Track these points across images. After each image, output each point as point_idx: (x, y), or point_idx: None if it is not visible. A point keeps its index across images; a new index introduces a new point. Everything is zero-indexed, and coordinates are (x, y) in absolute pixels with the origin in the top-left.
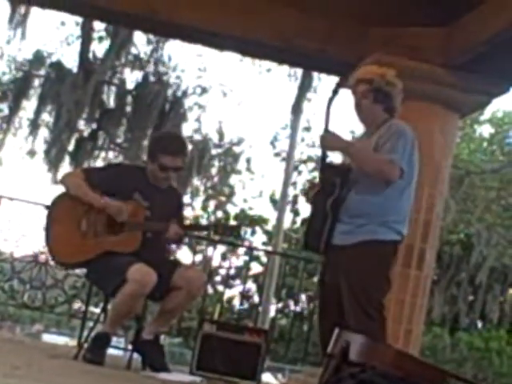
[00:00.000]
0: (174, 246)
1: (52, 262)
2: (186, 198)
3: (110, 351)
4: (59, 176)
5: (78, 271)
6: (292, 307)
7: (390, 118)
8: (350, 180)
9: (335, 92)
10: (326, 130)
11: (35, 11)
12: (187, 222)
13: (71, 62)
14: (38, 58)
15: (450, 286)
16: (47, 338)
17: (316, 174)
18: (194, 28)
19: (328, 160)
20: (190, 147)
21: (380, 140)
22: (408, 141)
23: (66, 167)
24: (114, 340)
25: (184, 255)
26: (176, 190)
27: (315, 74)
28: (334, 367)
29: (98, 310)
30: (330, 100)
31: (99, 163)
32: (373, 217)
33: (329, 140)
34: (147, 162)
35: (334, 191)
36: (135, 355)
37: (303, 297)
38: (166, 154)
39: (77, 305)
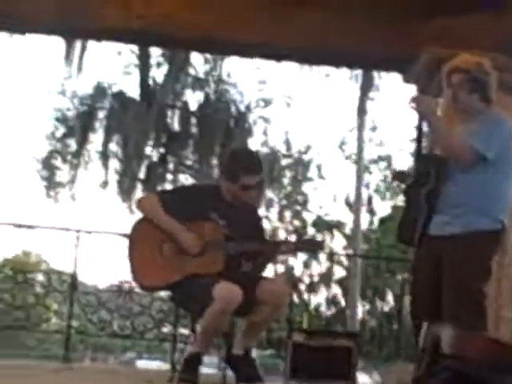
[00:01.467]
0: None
1: (137, 290)
2: (261, 211)
3: (204, 370)
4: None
5: (162, 294)
6: (379, 307)
7: (486, 109)
8: (447, 171)
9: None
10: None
11: (91, 44)
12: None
13: (132, 91)
14: (100, 91)
15: None
16: (140, 364)
17: (387, 172)
18: (249, 43)
19: (423, 151)
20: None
21: (476, 129)
22: (503, 129)
23: (139, 195)
24: (207, 359)
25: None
26: (252, 204)
27: (375, 73)
28: (427, 361)
29: (187, 332)
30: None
31: (171, 187)
32: (471, 206)
33: (422, 100)
34: (223, 180)
35: (428, 182)
36: (229, 372)
37: (389, 296)
38: (247, 173)
39: (166, 329)
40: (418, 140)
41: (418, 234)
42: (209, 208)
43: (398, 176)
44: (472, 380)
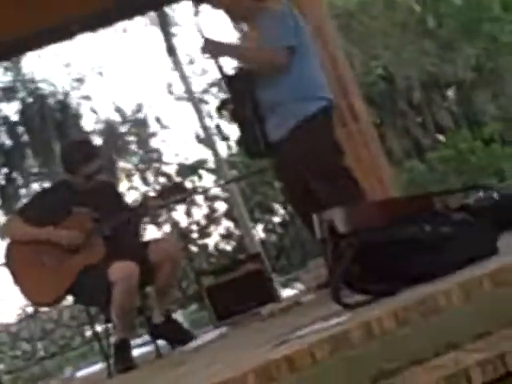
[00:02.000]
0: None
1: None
2: (124, 183)
3: (139, 352)
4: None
5: (66, 302)
6: (272, 220)
7: (262, 5)
8: (255, 78)
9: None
10: (206, 38)
11: None
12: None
13: None
14: None
15: (395, 121)
16: (81, 374)
17: (222, 95)
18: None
19: (225, 72)
20: (97, 139)
21: (264, 31)
22: (286, 15)
23: (2, 220)
24: (139, 341)
25: (152, 234)
26: (105, 181)
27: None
28: (332, 248)
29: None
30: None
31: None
32: (290, 98)
33: (213, 46)
34: (67, 174)
35: (245, 96)
36: (161, 343)
37: (276, 206)
38: (84, 164)
39: (87, 332)
40: (220, 70)
41: (262, 144)
42: (67, 202)
43: (222, 106)
44: (376, 245)
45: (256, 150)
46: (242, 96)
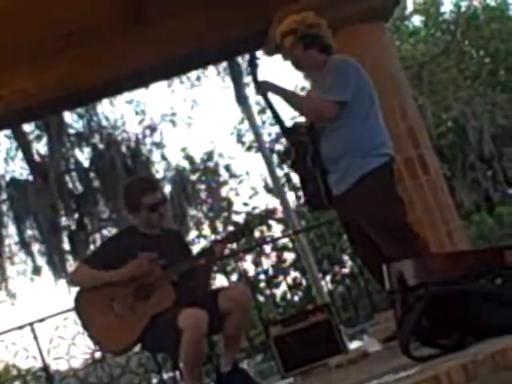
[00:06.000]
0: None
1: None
2: (193, 232)
3: None
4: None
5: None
6: (340, 271)
7: (329, 57)
8: (317, 132)
9: (252, 64)
10: (258, 81)
11: None
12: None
13: (24, 172)
14: None
15: (465, 173)
16: None
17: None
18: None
19: (288, 124)
20: (167, 186)
21: (323, 83)
22: (348, 70)
23: (72, 267)
24: None
25: (220, 282)
26: (170, 229)
27: (239, 59)
28: (401, 300)
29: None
30: (253, 73)
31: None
32: (352, 153)
33: (265, 85)
34: (131, 215)
35: (307, 149)
36: None
37: (345, 257)
38: (145, 195)
39: (154, 379)
40: (276, 117)
41: (325, 197)
42: (134, 248)
43: (286, 156)
44: (446, 297)
45: (318, 203)
46: (304, 148)
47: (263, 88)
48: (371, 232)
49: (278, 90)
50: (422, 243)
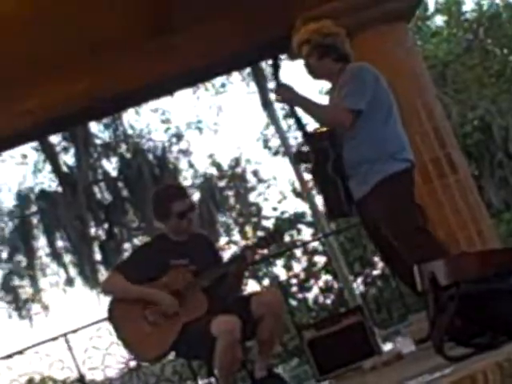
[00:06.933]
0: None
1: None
2: (223, 238)
3: None
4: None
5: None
6: (372, 273)
7: (344, 66)
8: (338, 137)
9: (275, 66)
10: (279, 85)
11: None
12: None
13: (52, 184)
14: (22, 199)
15: (493, 172)
16: None
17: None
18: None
19: (308, 130)
20: (195, 193)
21: (339, 91)
22: (365, 78)
23: (103, 276)
24: None
25: (252, 287)
26: (199, 234)
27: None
28: (433, 300)
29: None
30: (275, 75)
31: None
32: (373, 158)
33: (283, 91)
34: (161, 222)
35: (328, 155)
36: None
37: (376, 259)
38: (174, 201)
39: None
40: (299, 124)
41: (347, 204)
42: (165, 256)
43: (300, 157)
44: (478, 296)
45: (338, 210)
46: (324, 154)
47: (283, 95)
48: (389, 236)
49: (294, 98)
50: (441, 249)
